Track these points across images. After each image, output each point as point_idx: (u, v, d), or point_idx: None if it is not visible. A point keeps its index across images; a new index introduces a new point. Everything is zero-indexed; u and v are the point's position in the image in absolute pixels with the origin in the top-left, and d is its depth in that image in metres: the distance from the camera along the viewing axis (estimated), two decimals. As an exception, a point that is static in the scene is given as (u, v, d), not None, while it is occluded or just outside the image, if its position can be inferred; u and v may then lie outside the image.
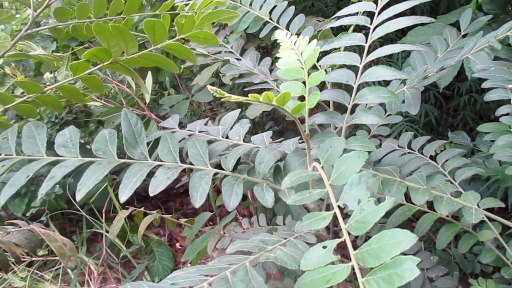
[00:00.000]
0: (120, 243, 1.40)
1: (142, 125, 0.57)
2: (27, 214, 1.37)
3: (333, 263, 0.39)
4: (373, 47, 0.62)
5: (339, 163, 0.45)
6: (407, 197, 0.70)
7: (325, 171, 0.48)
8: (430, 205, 0.67)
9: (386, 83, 0.88)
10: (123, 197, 0.49)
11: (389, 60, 1.79)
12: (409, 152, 0.72)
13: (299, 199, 0.44)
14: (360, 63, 0.58)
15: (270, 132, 0.63)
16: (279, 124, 1.84)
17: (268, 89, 1.04)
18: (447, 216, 0.65)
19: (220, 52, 1.13)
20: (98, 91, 0.64)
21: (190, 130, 0.64)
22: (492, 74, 0.65)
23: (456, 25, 1.27)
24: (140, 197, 1.65)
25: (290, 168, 0.52)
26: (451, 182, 0.62)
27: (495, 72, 0.65)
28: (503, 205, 0.60)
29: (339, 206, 0.43)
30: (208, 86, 0.45)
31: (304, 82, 0.53)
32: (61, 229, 1.47)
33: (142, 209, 0.68)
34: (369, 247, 0.37)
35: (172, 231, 1.67)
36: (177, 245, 1.61)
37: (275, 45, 1.62)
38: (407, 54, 1.77)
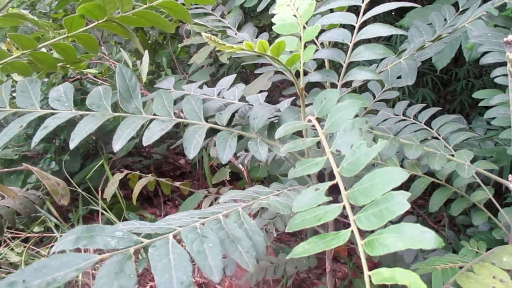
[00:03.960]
0: (117, 220, 1.40)
1: (137, 80, 0.56)
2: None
3: (325, 203, 0.39)
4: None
5: (333, 112, 0.45)
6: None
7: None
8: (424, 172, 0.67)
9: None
10: (116, 147, 0.49)
11: (387, 44, 1.79)
12: (404, 119, 0.73)
13: (292, 147, 0.44)
14: (356, 23, 0.58)
15: (265, 93, 0.63)
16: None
17: (267, 65, 1.03)
18: (440, 180, 0.66)
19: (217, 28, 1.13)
20: (93, 50, 0.64)
21: (185, 91, 0.64)
22: (488, 39, 0.65)
23: (456, 6, 1.27)
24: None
25: (284, 124, 0.52)
26: (445, 146, 0.63)
27: (492, 37, 0.65)
28: (496, 167, 0.60)
29: (332, 152, 0.43)
30: (203, 33, 0.45)
31: (300, 38, 0.53)
32: (57, 207, 1.47)
33: (137, 172, 0.68)
34: (361, 186, 0.38)
35: (168, 210, 1.67)
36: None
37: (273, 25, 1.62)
38: (405, 37, 1.77)
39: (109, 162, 1.49)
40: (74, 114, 0.53)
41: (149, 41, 2.03)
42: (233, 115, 0.55)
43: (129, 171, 0.68)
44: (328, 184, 0.40)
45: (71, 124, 1.59)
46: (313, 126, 0.48)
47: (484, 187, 0.61)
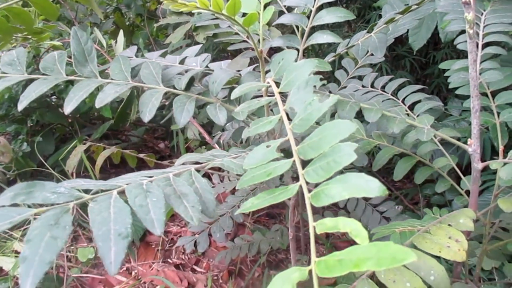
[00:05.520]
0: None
1: (92, 44, 0.55)
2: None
3: (276, 159, 0.38)
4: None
5: (289, 71, 0.44)
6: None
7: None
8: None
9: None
10: (67, 109, 0.47)
11: (366, 26, 1.78)
12: (372, 91, 0.72)
13: (247, 106, 0.43)
14: (319, -13, 0.57)
15: (228, 60, 0.61)
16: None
17: (246, 49, 1.02)
18: (405, 149, 0.66)
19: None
20: (51, 16, 0.61)
21: (147, 58, 0.62)
22: (454, 8, 0.65)
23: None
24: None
25: (241, 84, 0.51)
26: (409, 114, 0.63)
27: (457, 6, 0.65)
28: (458, 134, 0.60)
29: (285, 111, 0.42)
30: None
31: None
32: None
33: (101, 144, 0.66)
34: (310, 140, 0.37)
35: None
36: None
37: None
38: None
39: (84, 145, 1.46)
40: (26, 77, 0.51)
41: (127, 23, 1.99)
42: (192, 80, 0.54)
43: (92, 143, 0.66)
44: (279, 140, 0.40)
45: (44, 105, 1.54)
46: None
47: (446, 154, 0.61)
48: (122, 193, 0.36)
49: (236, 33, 0.86)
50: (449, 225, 0.49)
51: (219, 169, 1.50)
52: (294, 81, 0.43)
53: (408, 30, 1.54)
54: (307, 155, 0.36)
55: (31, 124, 1.41)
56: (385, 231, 0.51)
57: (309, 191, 0.34)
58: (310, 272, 0.31)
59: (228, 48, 0.94)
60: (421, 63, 1.93)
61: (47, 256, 0.28)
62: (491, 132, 1.24)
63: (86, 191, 0.36)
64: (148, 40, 1.76)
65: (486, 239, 0.61)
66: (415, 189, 1.69)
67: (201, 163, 0.44)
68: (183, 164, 0.46)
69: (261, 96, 0.60)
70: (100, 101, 0.48)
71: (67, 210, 0.32)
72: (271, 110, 0.59)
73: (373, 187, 0.32)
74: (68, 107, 0.47)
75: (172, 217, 1.60)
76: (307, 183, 0.36)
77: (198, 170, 0.44)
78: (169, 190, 0.37)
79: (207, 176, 1.22)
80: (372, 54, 0.93)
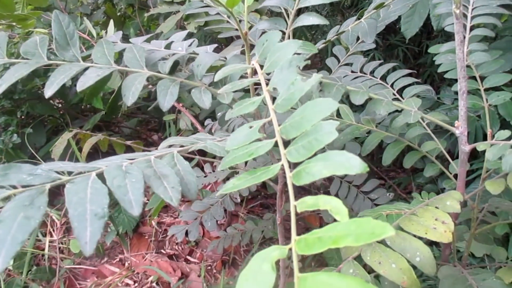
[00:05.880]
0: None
1: (74, 28, 0.53)
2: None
3: (259, 140, 0.38)
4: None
5: (272, 52, 0.44)
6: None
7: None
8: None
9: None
10: (48, 93, 0.46)
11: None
12: (361, 76, 0.72)
13: (230, 88, 0.43)
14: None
15: (214, 45, 0.60)
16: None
17: (238, 37, 1.00)
18: (394, 134, 0.66)
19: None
20: (40, 4, 0.60)
21: (131, 43, 0.61)
22: (443, -9, 0.64)
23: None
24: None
25: (225, 67, 0.51)
26: (399, 100, 0.62)
27: (446, -11, 0.64)
28: (447, 118, 0.60)
29: (269, 91, 0.41)
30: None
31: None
32: (22, 182, 1.43)
33: (87, 127, 0.65)
34: (292, 119, 0.36)
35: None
36: (145, 199, 1.59)
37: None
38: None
39: (74, 136, 1.45)
40: (6, 61, 0.50)
41: (118, 13, 1.97)
42: (176, 63, 0.53)
43: (79, 130, 0.65)
44: (262, 121, 0.39)
45: (34, 96, 1.53)
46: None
47: (434, 138, 0.61)
48: (101, 175, 0.35)
49: (228, 22, 0.84)
50: (436, 207, 0.49)
51: (214, 157, 1.50)
52: (277, 61, 0.42)
53: (400, 18, 1.53)
54: (289, 134, 0.36)
55: (21, 116, 1.40)
56: (372, 214, 0.51)
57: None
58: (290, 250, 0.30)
59: (219, 36, 0.93)
60: (414, 53, 1.93)
61: (19, 236, 0.27)
62: (482, 120, 1.24)
63: (65, 174, 0.36)
64: (139, 31, 1.74)
65: (475, 223, 0.61)
66: (408, 178, 1.69)
67: (185, 146, 0.44)
68: (167, 147, 0.45)
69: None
70: (82, 85, 0.47)
71: (43, 191, 0.31)
72: (258, 95, 0.58)
73: (354, 164, 0.31)
74: (49, 91, 0.46)
75: (165, 208, 1.60)
76: (290, 162, 0.35)
77: (185, 154, 0.43)
78: (149, 171, 0.36)
79: (200, 167, 1.22)
80: (363, 41, 0.92)
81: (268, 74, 0.44)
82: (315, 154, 0.33)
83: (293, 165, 0.34)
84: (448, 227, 0.46)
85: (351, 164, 0.31)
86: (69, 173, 0.35)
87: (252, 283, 0.28)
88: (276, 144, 0.37)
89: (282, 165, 0.35)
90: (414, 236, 0.46)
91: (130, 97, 0.48)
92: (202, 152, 1.14)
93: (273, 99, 0.42)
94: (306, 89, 0.37)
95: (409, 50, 1.88)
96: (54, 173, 0.34)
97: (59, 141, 0.65)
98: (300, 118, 0.36)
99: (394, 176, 1.86)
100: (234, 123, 0.81)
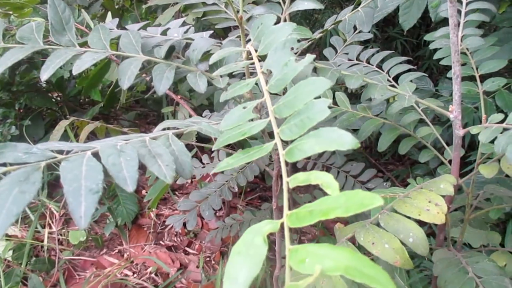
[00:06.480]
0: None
1: (70, 13, 0.54)
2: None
3: (252, 120, 0.38)
4: None
5: (267, 35, 0.44)
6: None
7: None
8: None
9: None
10: (44, 76, 0.46)
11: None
12: (357, 64, 0.72)
13: (225, 70, 0.43)
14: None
15: (211, 31, 0.61)
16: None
17: (235, 28, 1.00)
18: (390, 121, 0.66)
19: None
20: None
21: (127, 30, 0.61)
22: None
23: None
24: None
25: (219, 50, 0.51)
26: (392, 85, 0.62)
27: (442, -24, 0.64)
28: (442, 104, 0.60)
29: (263, 72, 0.42)
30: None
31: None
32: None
33: (85, 119, 0.66)
34: (286, 99, 0.37)
35: (138, 179, 1.65)
36: (143, 192, 1.60)
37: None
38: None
39: (74, 129, 1.45)
40: (1, 46, 0.50)
41: (116, 6, 1.97)
42: (172, 48, 0.53)
43: (76, 118, 0.66)
44: (256, 101, 0.40)
45: (32, 89, 1.53)
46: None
47: (429, 123, 0.61)
48: (96, 154, 0.35)
49: (225, 12, 0.84)
50: (430, 190, 0.49)
51: (210, 153, 1.50)
52: (272, 43, 0.43)
53: (398, 9, 1.53)
54: (282, 113, 0.36)
55: (20, 108, 1.40)
56: (366, 198, 0.51)
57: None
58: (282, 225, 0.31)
59: (216, 27, 0.93)
60: (412, 45, 1.93)
61: (14, 208, 0.28)
62: (479, 112, 1.25)
63: (60, 153, 0.36)
64: (137, 22, 1.74)
65: (469, 209, 0.61)
66: (406, 170, 1.70)
67: (180, 129, 0.44)
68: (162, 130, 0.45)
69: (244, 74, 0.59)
70: (77, 68, 0.47)
71: (38, 168, 0.32)
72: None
73: (346, 140, 0.31)
74: (45, 74, 0.46)
75: (164, 200, 1.60)
76: (283, 141, 0.35)
77: (178, 136, 0.44)
78: (144, 151, 0.37)
79: (199, 159, 1.22)
80: (360, 32, 0.92)
81: (262, 57, 0.45)
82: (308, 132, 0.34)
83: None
84: (441, 209, 0.46)
85: (343, 140, 0.32)
86: (65, 152, 0.36)
87: (244, 256, 0.29)
88: (269, 124, 0.37)
89: (276, 144, 0.35)
90: (409, 218, 0.47)
91: (125, 81, 0.48)
92: (200, 140, 1.15)
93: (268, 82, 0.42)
94: (299, 69, 0.37)
95: (408, 43, 1.88)
96: (49, 151, 0.35)
97: (56, 128, 0.66)
98: (293, 98, 0.36)
99: (393, 169, 1.87)
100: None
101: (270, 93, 0.41)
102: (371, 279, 0.24)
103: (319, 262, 0.26)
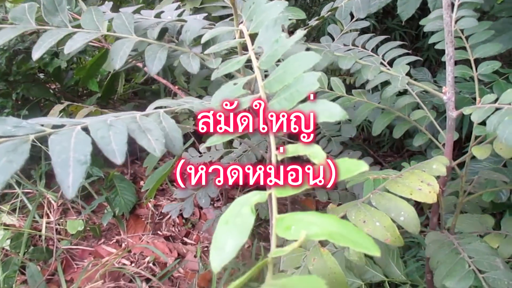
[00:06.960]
0: (79, 176, 1.37)
1: (63, -6, 0.53)
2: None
3: (243, 96, 0.38)
4: None
5: (259, 13, 0.44)
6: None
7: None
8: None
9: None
10: (36, 55, 0.46)
11: None
12: (353, 48, 0.72)
13: (217, 48, 0.43)
14: None
15: (204, 14, 0.60)
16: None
17: (230, 15, 1.00)
18: (384, 105, 0.66)
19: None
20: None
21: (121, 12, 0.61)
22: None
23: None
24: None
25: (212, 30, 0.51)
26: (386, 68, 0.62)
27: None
28: (435, 87, 0.60)
29: (254, 51, 0.42)
30: None
31: None
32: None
33: (80, 104, 0.65)
34: (276, 74, 0.37)
35: (136, 170, 1.66)
36: (141, 183, 1.60)
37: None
38: None
39: (69, 115, 1.45)
40: (-6, 26, 0.50)
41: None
42: (165, 30, 0.53)
43: (70, 102, 0.66)
44: (246, 78, 0.39)
45: (30, 79, 1.52)
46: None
47: (423, 106, 0.61)
48: (85, 128, 0.35)
49: (223, 0, 0.84)
50: (422, 170, 0.49)
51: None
52: (263, 21, 0.43)
53: (397, 0, 1.52)
54: (272, 88, 0.36)
55: (17, 99, 1.40)
56: (359, 178, 0.51)
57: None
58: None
59: (213, 15, 0.93)
60: (411, 37, 1.92)
61: (1, 177, 0.28)
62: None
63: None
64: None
65: (463, 192, 0.61)
66: (404, 161, 1.70)
67: (171, 107, 0.44)
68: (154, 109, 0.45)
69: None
70: (69, 47, 0.47)
71: (27, 140, 0.32)
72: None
73: (335, 112, 0.32)
74: (36, 53, 0.46)
75: (162, 191, 1.61)
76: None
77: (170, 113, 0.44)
78: (134, 125, 0.37)
79: (196, 149, 1.22)
80: (357, 20, 0.92)
81: (254, 36, 0.44)
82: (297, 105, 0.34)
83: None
84: (433, 188, 0.46)
85: (332, 112, 0.32)
86: (55, 126, 0.36)
87: (231, 225, 0.29)
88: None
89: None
90: (401, 198, 0.47)
91: (118, 61, 0.48)
92: (198, 136, 1.14)
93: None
94: (289, 45, 0.37)
95: (407, 34, 1.87)
96: (39, 125, 0.35)
97: (50, 113, 0.66)
98: (283, 72, 0.36)
99: (391, 160, 1.87)
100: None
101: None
102: (355, 243, 0.24)
103: (305, 228, 0.26)
